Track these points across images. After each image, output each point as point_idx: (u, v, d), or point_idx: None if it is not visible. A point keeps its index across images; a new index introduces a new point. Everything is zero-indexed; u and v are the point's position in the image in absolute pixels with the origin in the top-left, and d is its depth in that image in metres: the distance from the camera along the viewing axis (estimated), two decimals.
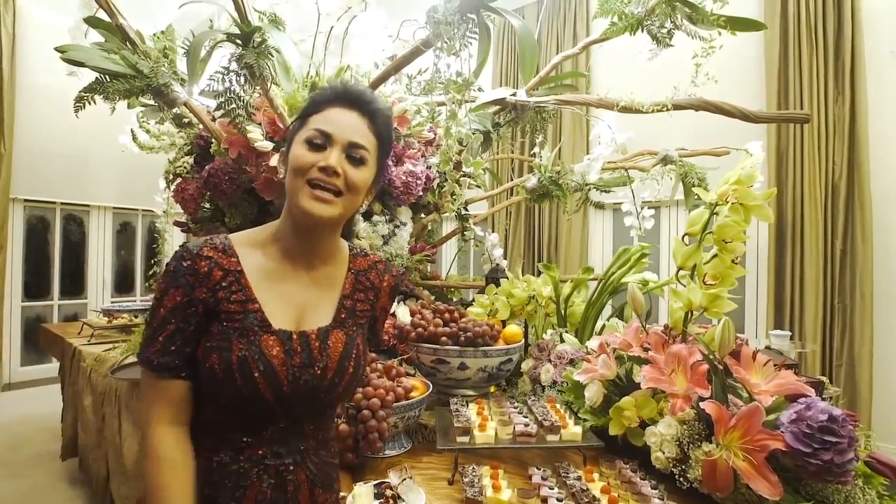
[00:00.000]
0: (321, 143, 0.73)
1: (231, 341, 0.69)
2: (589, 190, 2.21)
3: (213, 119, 1.76)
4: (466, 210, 1.91)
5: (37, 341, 4.13)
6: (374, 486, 0.99)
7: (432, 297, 2.15)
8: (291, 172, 0.73)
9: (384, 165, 0.82)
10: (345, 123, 0.74)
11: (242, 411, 0.72)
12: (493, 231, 2.31)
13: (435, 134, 2.00)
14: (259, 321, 0.72)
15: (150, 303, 0.75)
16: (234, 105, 1.43)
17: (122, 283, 5.40)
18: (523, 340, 1.59)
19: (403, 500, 0.94)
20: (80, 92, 1.46)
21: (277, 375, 0.70)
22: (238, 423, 0.72)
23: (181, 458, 0.71)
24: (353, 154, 0.74)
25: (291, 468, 0.73)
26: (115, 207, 5.26)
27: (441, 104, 1.87)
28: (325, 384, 0.74)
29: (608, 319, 1.65)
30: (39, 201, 4.78)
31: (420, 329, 1.48)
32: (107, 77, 1.45)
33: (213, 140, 1.77)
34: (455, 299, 2.37)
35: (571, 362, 1.45)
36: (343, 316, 0.80)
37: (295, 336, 0.74)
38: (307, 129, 0.74)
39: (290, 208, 0.76)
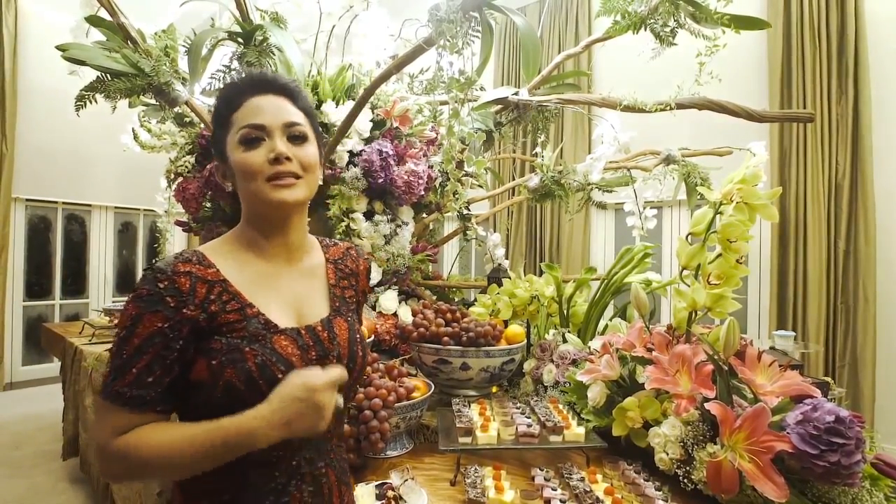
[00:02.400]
0: (257, 136, 0.70)
1: (243, 351, 0.65)
2: (591, 190, 2.20)
3: None
4: (468, 210, 1.90)
5: (38, 341, 4.13)
6: (376, 486, 0.99)
7: (434, 297, 2.15)
8: (244, 178, 0.70)
9: (321, 136, 0.81)
10: (271, 108, 0.72)
11: None
12: (494, 231, 2.30)
13: (437, 133, 1.99)
14: (263, 324, 0.68)
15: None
16: None
17: (124, 283, 5.40)
18: (525, 340, 1.58)
19: (405, 501, 0.94)
20: (81, 90, 1.46)
21: None
22: None
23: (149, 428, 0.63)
24: (293, 133, 0.72)
25: (324, 470, 0.72)
26: (116, 207, 5.26)
27: (443, 103, 1.87)
28: None
29: (611, 320, 1.64)
30: (41, 201, 4.78)
31: (422, 329, 1.47)
32: (108, 76, 1.44)
33: None
34: (457, 299, 2.36)
35: (574, 363, 1.44)
36: (337, 304, 0.79)
37: (303, 331, 0.72)
38: (236, 130, 0.71)
39: (254, 211, 0.73)
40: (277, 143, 0.70)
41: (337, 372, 0.65)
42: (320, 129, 0.81)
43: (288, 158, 0.70)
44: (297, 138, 0.73)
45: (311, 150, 0.74)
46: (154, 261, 0.70)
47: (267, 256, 0.75)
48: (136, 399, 0.62)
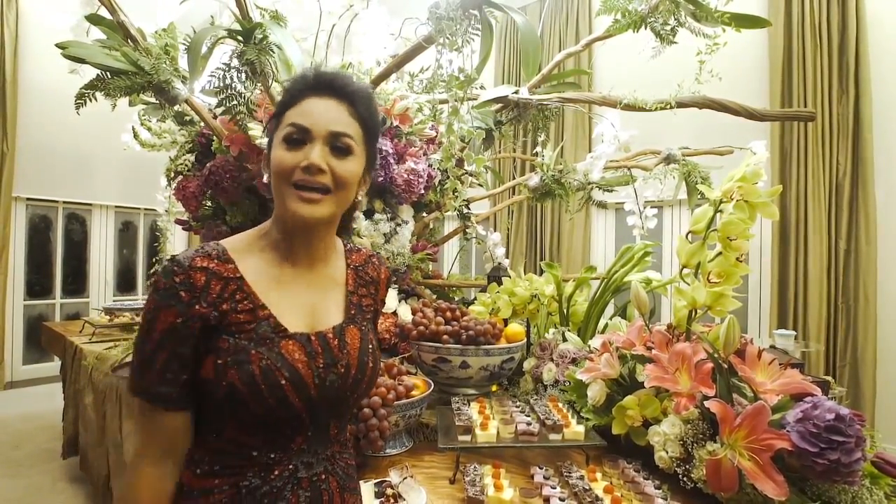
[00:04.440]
0: (300, 138, 0.68)
1: (249, 353, 0.65)
2: (591, 189, 2.20)
3: (215, 116, 1.76)
4: (468, 208, 1.90)
5: (38, 340, 4.13)
6: (375, 484, 0.99)
7: (434, 296, 2.15)
8: (275, 176, 0.69)
9: (375, 151, 0.78)
10: (322, 113, 0.69)
11: (268, 426, 0.67)
12: (495, 230, 2.30)
13: (437, 132, 1.99)
14: (273, 327, 0.67)
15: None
16: (235, 102, 1.42)
17: (124, 282, 5.41)
18: (525, 339, 1.58)
19: (404, 499, 0.94)
20: (81, 89, 1.46)
21: (304, 380, 0.67)
22: (263, 439, 0.67)
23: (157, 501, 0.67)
24: (336, 144, 0.69)
25: (324, 477, 0.71)
26: (117, 206, 5.27)
27: (443, 102, 1.86)
28: (349, 382, 0.72)
29: (611, 318, 1.64)
30: (42, 200, 4.79)
31: (421, 327, 1.47)
32: (108, 74, 1.44)
33: (215, 137, 1.76)
34: (457, 298, 2.36)
35: (574, 361, 1.44)
36: (353, 312, 0.78)
37: (313, 338, 0.71)
38: (284, 126, 0.70)
39: (279, 212, 0.72)
40: (315, 152, 0.67)
41: None
42: (377, 140, 0.78)
43: (321, 170, 0.68)
44: (339, 150, 0.70)
45: (350, 166, 0.71)
46: (172, 256, 0.69)
47: (288, 259, 0.74)
48: (161, 396, 0.65)
